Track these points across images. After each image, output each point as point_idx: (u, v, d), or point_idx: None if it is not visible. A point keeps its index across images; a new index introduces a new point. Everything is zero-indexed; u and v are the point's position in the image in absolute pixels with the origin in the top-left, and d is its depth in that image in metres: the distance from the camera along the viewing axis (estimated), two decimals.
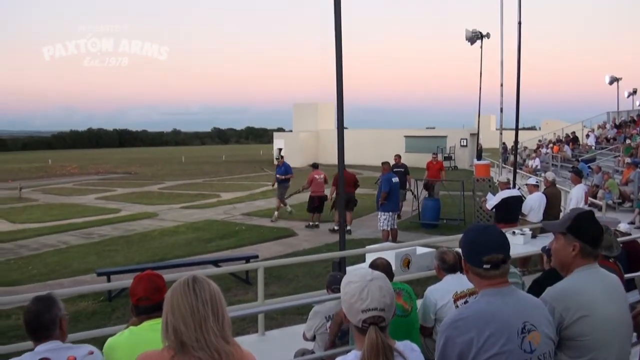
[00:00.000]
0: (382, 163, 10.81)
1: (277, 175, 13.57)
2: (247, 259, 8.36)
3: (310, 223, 12.75)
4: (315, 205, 12.74)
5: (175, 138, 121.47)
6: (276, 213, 13.58)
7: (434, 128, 39.99)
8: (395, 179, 10.41)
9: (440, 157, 30.81)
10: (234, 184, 24.24)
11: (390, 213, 10.16)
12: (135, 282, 2.49)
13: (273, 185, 14.09)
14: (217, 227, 12.84)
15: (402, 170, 12.95)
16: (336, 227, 12.07)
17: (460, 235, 2.04)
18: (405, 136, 35.23)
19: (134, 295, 2.45)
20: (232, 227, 12.85)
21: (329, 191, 12.74)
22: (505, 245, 1.97)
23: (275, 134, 40.50)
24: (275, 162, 13.67)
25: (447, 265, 3.81)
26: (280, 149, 36.96)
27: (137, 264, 8.73)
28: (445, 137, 34.19)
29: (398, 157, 13.18)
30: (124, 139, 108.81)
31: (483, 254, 1.95)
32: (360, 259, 7.69)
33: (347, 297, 1.79)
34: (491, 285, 1.94)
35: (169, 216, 14.95)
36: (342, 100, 5.76)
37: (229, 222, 13.59)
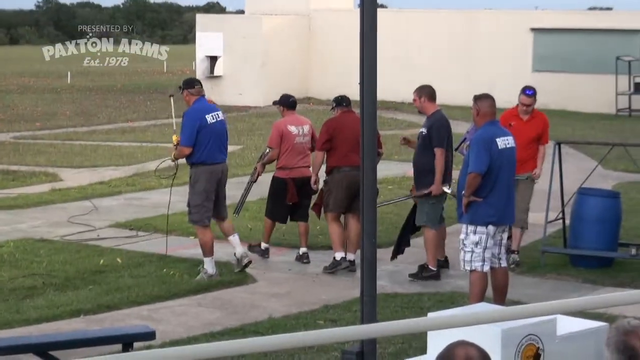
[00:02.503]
0: (475, 98, 11.01)
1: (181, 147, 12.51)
2: (128, 343, 8.63)
3: (267, 248, 13.25)
4: (291, 202, 13.05)
5: None
6: (205, 263, 12.36)
7: (610, 9, 39.69)
8: (507, 141, 10.56)
9: (626, 86, 31.90)
10: (95, 147, 24.70)
11: (492, 228, 10.36)
12: None
13: (174, 162, 13.19)
14: (49, 258, 13.26)
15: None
16: (338, 257, 12.50)
17: None
18: (534, 29, 36.01)
19: None
20: (89, 257, 13.31)
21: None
22: None
23: (199, 18, 41.37)
24: (178, 93, 12.99)
25: None
26: (213, 59, 36.70)
27: None
28: (638, 32, 34.67)
29: (426, 92, 12.56)
30: None
31: None
32: (416, 344, 7.88)
33: None
34: None
35: None
36: None
37: (81, 246, 14.08)
